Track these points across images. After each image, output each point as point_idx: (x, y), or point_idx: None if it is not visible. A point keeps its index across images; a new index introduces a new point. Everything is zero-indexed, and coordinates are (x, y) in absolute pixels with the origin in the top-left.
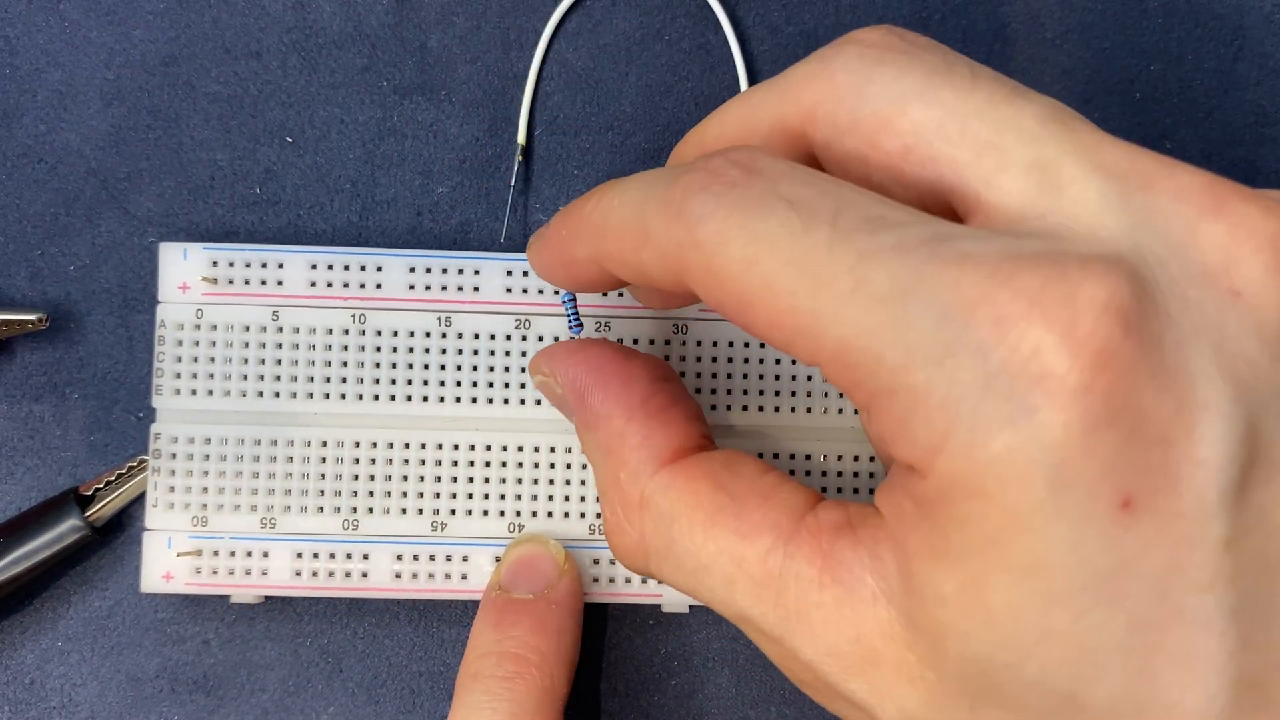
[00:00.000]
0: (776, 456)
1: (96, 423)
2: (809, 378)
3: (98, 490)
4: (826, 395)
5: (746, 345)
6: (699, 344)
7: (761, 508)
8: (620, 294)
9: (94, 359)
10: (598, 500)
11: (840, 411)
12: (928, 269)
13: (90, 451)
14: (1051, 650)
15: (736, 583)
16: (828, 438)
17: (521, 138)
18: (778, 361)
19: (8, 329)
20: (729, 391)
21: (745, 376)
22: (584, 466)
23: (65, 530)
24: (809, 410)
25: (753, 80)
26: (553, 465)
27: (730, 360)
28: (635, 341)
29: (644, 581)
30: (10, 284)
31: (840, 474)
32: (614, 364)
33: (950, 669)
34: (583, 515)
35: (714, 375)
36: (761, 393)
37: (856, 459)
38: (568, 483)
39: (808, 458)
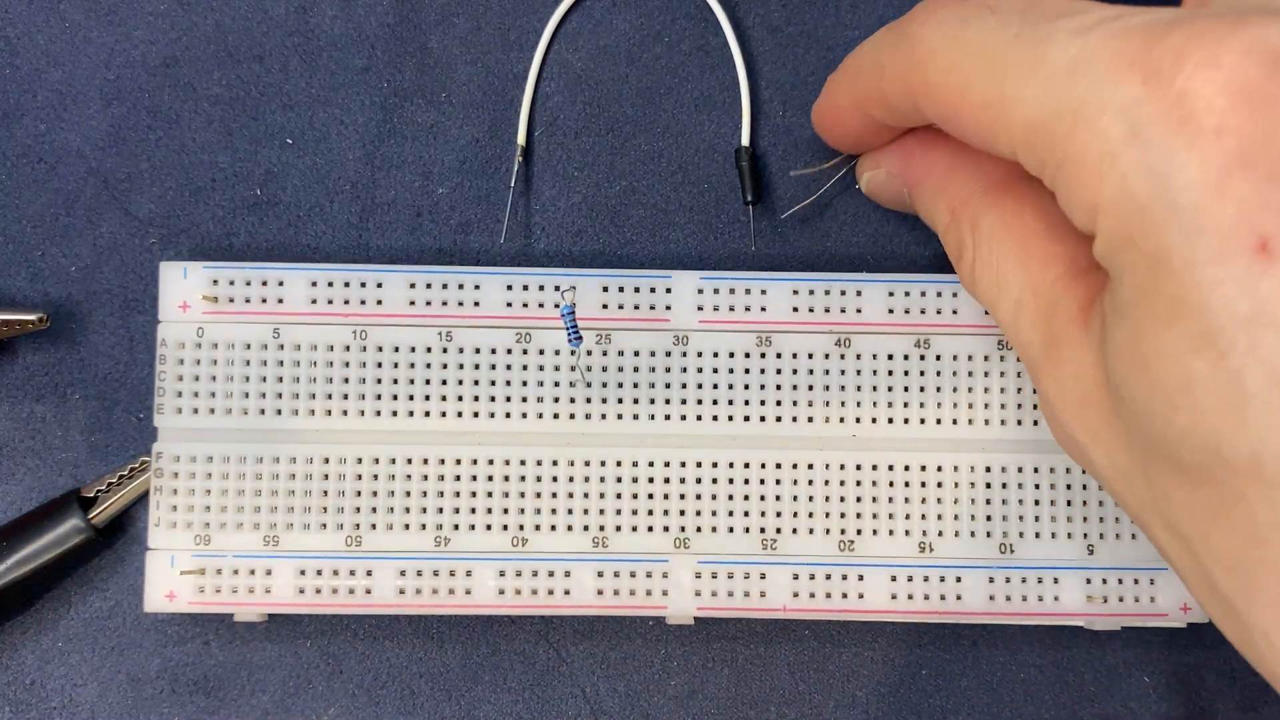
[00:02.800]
0: (779, 466)
1: (97, 423)
2: (809, 387)
3: (99, 492)
4: (827, 404)
5: (747, 355)
6: (699, 354)
7: (1064, 240)
8: (620, 306)
9: (95, 359)
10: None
11: (842, 421)
12: (1097, 43)
13: (91, 452)
14: (1196, 399)
15: (1025, 305)
16: (828, 446)
17: (521, 139)
18: (779, 371)
19: (9, 329)
20: (730, 402)
21: (746, 387)
22: (586, 479)
23: (67, 531)
24: (810, 420)
25: (753, 80)
26: (555, 479)
27: (731, 371)
28: (636, 354)
29: (647, 593)
30: (11, 284)
31: (843, 482)
32: (931, 131)
33: (1128, 419)
34: (585, 528)
35: (714, 385)
36: (763, 402)
37: (859, 467)
38: (570, 496)
39: (810, 466)
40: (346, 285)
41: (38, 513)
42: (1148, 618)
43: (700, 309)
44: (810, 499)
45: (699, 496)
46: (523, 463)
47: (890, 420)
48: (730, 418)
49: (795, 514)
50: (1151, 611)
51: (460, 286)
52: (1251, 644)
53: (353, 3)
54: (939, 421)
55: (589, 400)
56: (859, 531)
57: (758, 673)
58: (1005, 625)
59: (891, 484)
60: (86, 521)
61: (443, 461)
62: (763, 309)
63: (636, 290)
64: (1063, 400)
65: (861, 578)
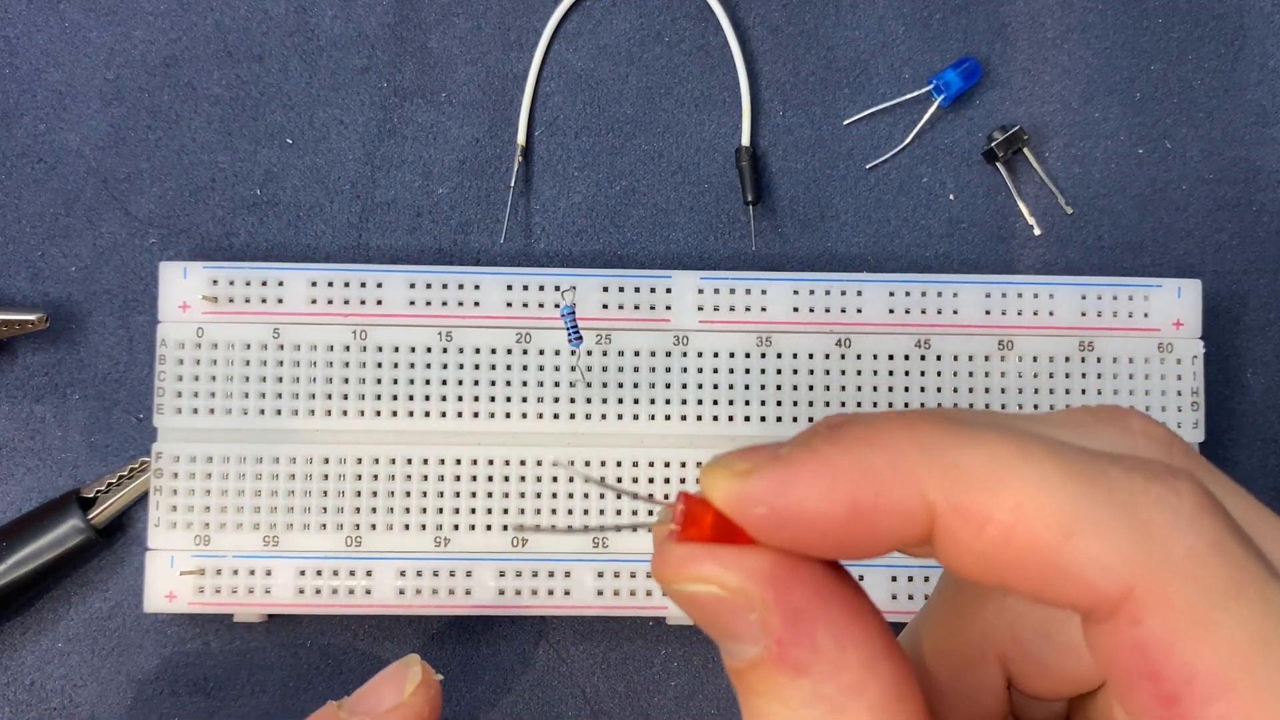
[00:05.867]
0: None
1: (97, 423)
2: (809, 386)
3: (99, 492)
4: (827, 404)
5: (747, 355)
6: (699, 354)
7: None
8: (620, 306)
9: (95, 360)
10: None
11: None
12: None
13: (91, 452)
14: None
15: None
16: None
17: (521, 138)
18: (779, 371)
19: (8, 329)
20: (730, 402)
21: (746, 387)
22: (587, 479)
23: (67, 532)
24: (810, 420)
25: (753, 80)
26: (555, 479)
27: (731, 371)
28: (636, 354)
29: (647, 593)
30: (11, 284)
31: None
32: (845, 591)
33: None
34: (585, 528)
35: (715, 385)
36: (763, 402)
37: None
38: (570, 496)
39: None
40: (346, 285)
41: (38, 513)
42: None
43: (700, 309)
44: None
45: None
46: (523, 463)
47: None
48: (730, 418)
49: None
50: None
51: (460, 286)
52: None
53: (353, 3)
54: None
55: (589, 400)
56: None
57: None
58: None
59: None
60: (86, 522)
61: (443, 461)
62: (763, 309)
63: (636, 290)
64: None
65: (862, 577)
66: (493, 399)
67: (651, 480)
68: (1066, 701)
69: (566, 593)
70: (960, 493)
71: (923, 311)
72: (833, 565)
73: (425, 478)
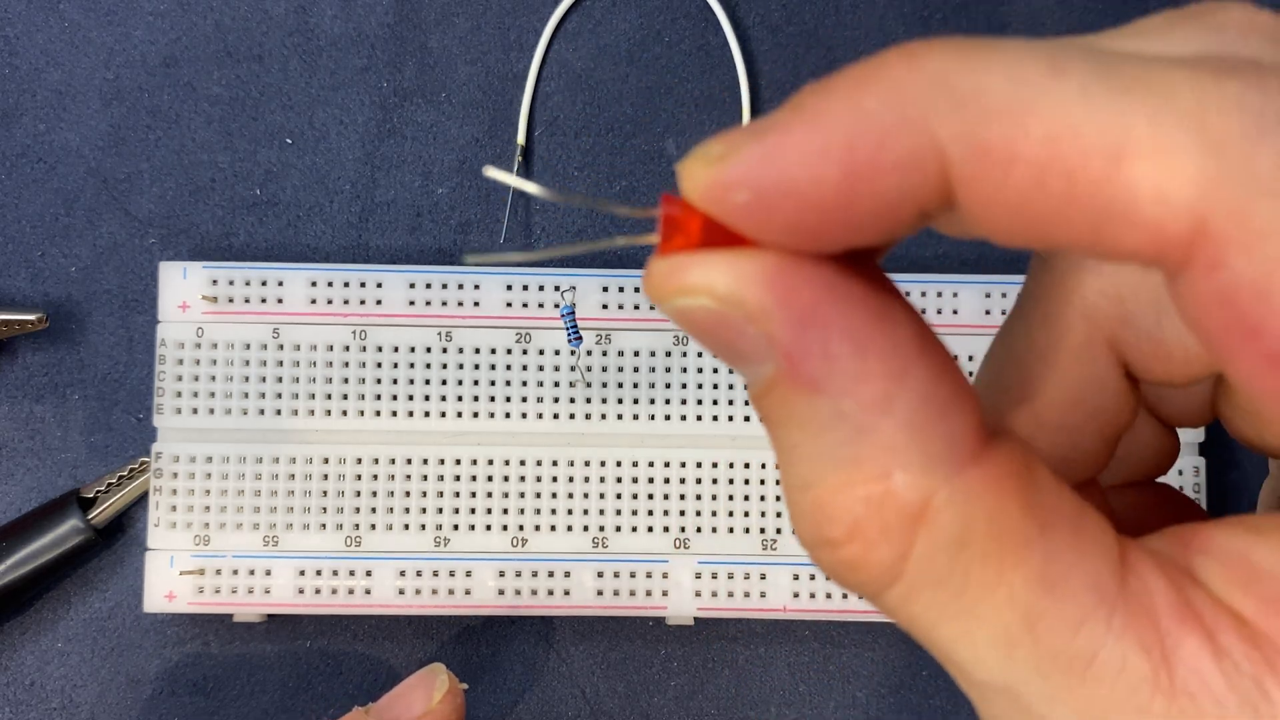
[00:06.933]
0: (779, 466)
1: (97, 423)
2: None
3: (99, 492)
4: None
5: None
6: (699, 354)
7: (1074, 547)
8: (620, 306)
9: (94, 360)
10: (785, 492)
11: None
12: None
13: (90, 452)
14: None
15: (1019, 646)
16: None
17: (521, 138)
18: None
19: (8, 329)
20: (730, 402)
21: (747, 387)
22: (586, 479)
23: (67, 532)
24: None
25: (752, 80)
26: (555, 479)
27: (731, 371)
28: (636, 354)
29: (647, 594)
30: (10, 284)
31: None
32: (864, 289)
33: None
34: (585, 529)
35: (714, 385)
36: None
37: None
38: (570, 496)
39: None
40: (346, 285)
41: (37, 513)
42: None
43: None
44: None
45: (699, 496)
46: (523, 463)
47: None
48: (730, 418)
49: None
50: None
51: (460, 286)
52: None
53: (353, 3)
54: None
55: (589, 400)
56: None
57: (758, 673)
58: None
59: None
60: (86, 522)
61: (443, 461)
62: None
63: (636, 290)
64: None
65: None
66: (492, 399)
67: (652, 480)
68: (1210, 385)
69: (566, 593)
70: (978, 127)
71: (923, 311)
72: (851, 263)
73: (425, 478)
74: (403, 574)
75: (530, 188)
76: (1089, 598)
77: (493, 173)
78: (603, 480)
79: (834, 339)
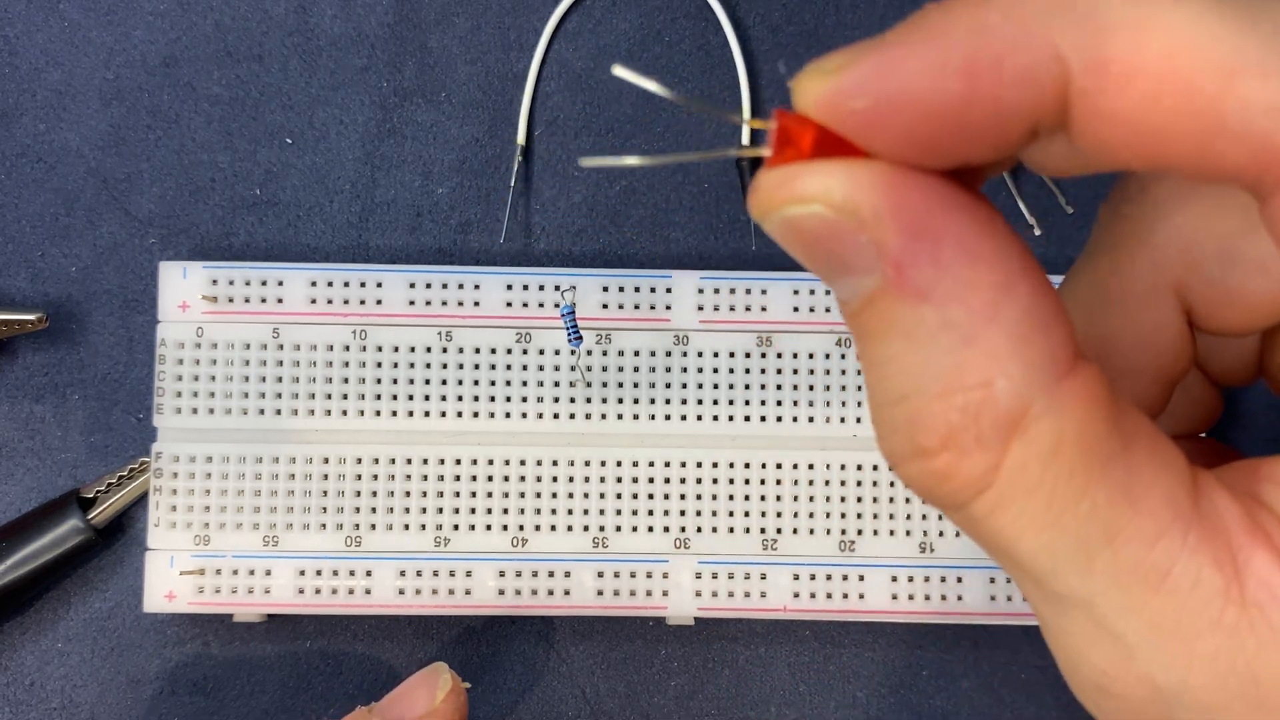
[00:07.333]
0: (779, 466)
1: (96, 424)
2: (810, 387)
3: (99, 492)
4: (829, 405)
5: (747, 355)
6: (699, 354)
7: (1153, 466)
8: (620, 306)
9: (94, 360)
10: (873, 408)
11: (843, 421)
12: None
13: (90, 452)
14: None
15: (1099, 558)
16: (828, 446)
17: (521, 138)
18: (779, 371)
19: (8, 329)
20: (730, 402)
21: (746, 387)
22: (586, 479)
23: (67, 532)
24: (810, 420)
25: (753, 80)
26: (555, 479)
27: (731, 371)
28: (636, 353)
29: (647, 593)
30: (10, 284)
31: (843, 482)
32: (972, 204)
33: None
34: (585, 529)
35: (715, 385)
36: (763, 402)
37: (860, 467)
38: (570, 496)
39: (810, 466)
40: (346, 285)
41: (37, 513)
42: None
43: (700, 309)
44: (811, 499)
45: (699, 496)
46: (523, 463)
47: None
48: (730, 418)
49: (795, 514)
50: None
51: (460, 286)
52: None
53: (353, 3)
54: None
55: (589, 400)
56: (859, 531)
57: (758, 673)
58: (1006, 625)
59: (892, 484)
60: (86, 522)
61: (443, 461)
62: (763, 309)
63: (636, 290)
64: (1222, 700)
65: (862, 578)
66: (493, 399)
67: (652, 480)
68: (1259, 341)
69: (566, 593)
70: (1100, 42)
71: None
72: (957, 180)
73: (425, 478)
74: (403, 574)
75: (652, 87)
76: (1166, 514)
77: (621, 71)
78: (603, 480)
79: (946, 247)
